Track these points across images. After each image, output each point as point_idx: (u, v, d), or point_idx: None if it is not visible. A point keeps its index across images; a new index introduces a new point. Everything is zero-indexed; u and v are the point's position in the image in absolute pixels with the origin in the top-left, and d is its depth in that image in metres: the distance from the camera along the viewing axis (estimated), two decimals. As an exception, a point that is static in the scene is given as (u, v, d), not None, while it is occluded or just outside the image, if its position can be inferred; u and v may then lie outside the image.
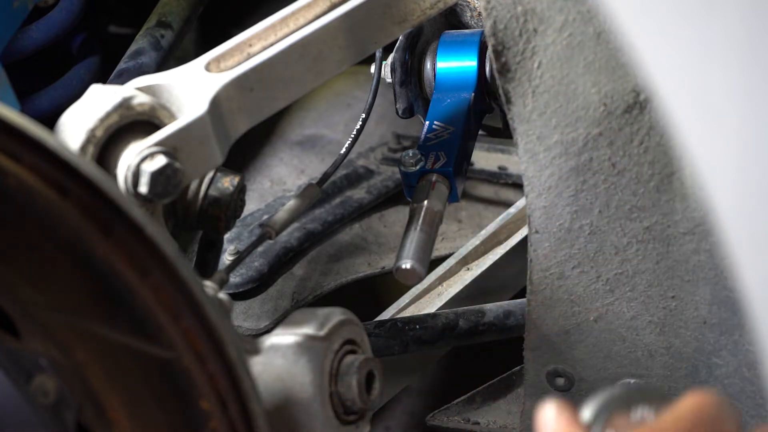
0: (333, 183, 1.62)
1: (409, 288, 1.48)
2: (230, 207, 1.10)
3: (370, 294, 1.76)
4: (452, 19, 1.34)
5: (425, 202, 1.18)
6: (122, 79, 1.34)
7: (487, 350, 1.54)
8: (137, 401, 0.90)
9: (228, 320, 0.96)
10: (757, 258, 0.55)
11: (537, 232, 1.14)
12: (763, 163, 0.53)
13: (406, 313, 1.45)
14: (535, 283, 1.16)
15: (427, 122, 1.25)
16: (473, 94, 1.26)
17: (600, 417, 0.79)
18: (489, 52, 1.12)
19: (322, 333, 1.00)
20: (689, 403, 0.74)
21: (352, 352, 1.02)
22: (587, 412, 0.79)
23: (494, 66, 1.08)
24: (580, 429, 0.78)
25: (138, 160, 0.97)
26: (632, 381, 0.81)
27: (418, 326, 1.35)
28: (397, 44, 1.29)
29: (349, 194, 1.64)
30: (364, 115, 1.28)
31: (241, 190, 1.11)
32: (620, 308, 1.16)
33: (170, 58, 1.42)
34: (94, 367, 0.89)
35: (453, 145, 1.22)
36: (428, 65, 1.30)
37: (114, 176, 0.98)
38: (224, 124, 1.04)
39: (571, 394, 1.21)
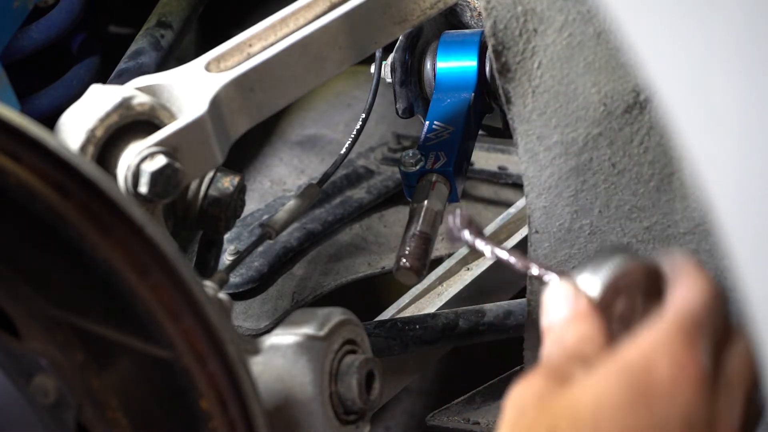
0: (333, 183, 1.62)
1: (409, 288, 1.48)
2: (230, 207, 1.10)
3: (370, 294, 1.76)
4: (452, 19, 1.34)
5: (425, 202, 1.18)
6: (122, 79, 1.34)
7: (487, 350, 1.54)
8: (137, 401, 0.90)
9: (228, 320, 0.96)
10: (757, 258, 0.55)
11: (537, 232, 1.14)
12: (763, 163, 0.53)
13: (406, 313, 1.45)
14: (535, 283, 1.16)
15: (427, 122, 1.25)
16: (473, 94, 1.26)
17: (605, 289, 0.77)
18: (489, 52, 1.12)
19: (322, 333, 1.00)
20: (680, 302, 0.74)
21: (352, 352, 1.02)
22: (591, 284, 0.77)
23: (494, 66, 1.08)
24: (590, 308, 0.77)
25: (138, 160, 0.97)
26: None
27: (418, 326, 1.35)
28: (397, 44, 1.29)
29: (349, 194, 1.64)
30: (364, 115, 1.28)
31: (241, 190, 1.11)
32: (620, 308, 1.16)
33: (170, 58, 1.42)
34: (94, 367, 0.89)
35: (453, 145, 1.22)
36: (428, 65, 1.30)
37: (114, 176, 0.98)
38: (224, 124, 1.04)
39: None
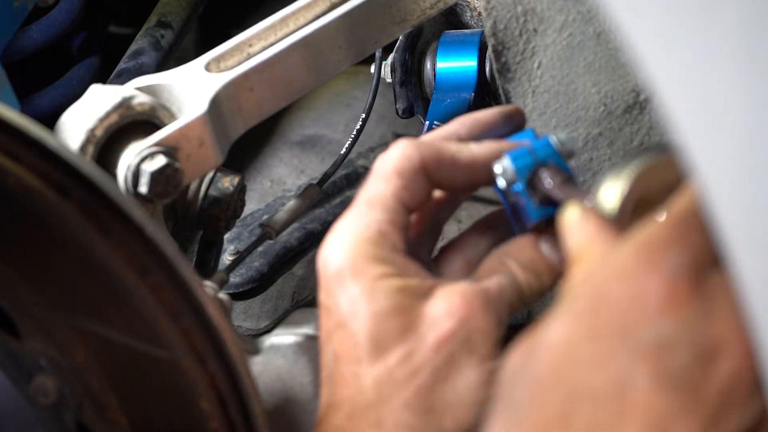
0: (333, 183, 1.62)
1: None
2: (230, 207, 1.10)
3: (370, 294, 1.75)
4: (452, 18, 1.34)
5: (425, 202, 1.18)
6: (122, 79, 1.34)
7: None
8: (137, 401, 0.90)
9: (228, 320, 0.96)
10: (757, 258, 0.55)
11: (537, 232, 1.14)
12: (763, 163, 0.53)
13: (406, 313, 1.45)
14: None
15: (427, 122, 1.25)
16: (473, 94, 1.26)
17: (624, 208, 0.70)
18: (489, 52, 1.12)
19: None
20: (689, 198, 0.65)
21: (352, 352, 1.02)
22: (609, 201, 0.70)
23: (494, 66, 1.08)
24: (610, 230, 0.70)
25: (138, 160, 0.97)
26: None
27: (418, 326, 1.35)
28: (397, 44, 1.29)
29: (349, 194, 1.64)
30: (364, 115, 1.28)
31: (241, 190, 1.11)
32: (620, 308, 1.16)
33: (170, 58, 1.42)
34: (93, 367, 0.89)
35: (453, 145, 1.22)
36: (428, 65, 1.30)
37: (114, 176, 0.98)
38: (224, 124, 1.04)
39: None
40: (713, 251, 0.63)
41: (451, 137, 0.90)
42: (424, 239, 0.90)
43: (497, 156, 0.84)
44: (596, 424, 0.61)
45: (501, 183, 0.82)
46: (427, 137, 0.89)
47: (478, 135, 0.90)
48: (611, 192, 0.71)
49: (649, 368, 0.61)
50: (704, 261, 0.63)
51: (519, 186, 0.82)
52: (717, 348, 0.61)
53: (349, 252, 0.81)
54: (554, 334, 0.66)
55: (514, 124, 0.91)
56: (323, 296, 0.81)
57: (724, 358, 0.61)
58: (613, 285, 0.64)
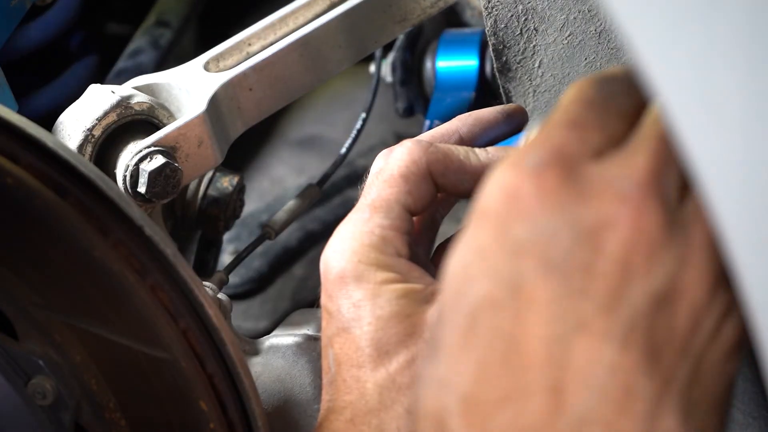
0: (333, 183, 1.61)
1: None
2: (229, 207, 1.10)
3: (370, 294, 1.75)
4: (452, 17, 1.34)
5: (425, 201, 1.18)
6: (120, 78, 1.34)
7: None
8: (135, 402, 0.89)
9: (227, 321, 0.95)
10: (757, 258, 0.55)
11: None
12: (764, 163, 0.53)
13: (406, 314, 1.45)
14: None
15: (428, 122, 1.25)
16: (474, 93, 1.26)
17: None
18: (489, 51, 1.11)
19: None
20: (570, 92, 0.66)
21: (352, 352, 1.02)
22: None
23: (495, 65, 1.07)
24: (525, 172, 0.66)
25: (136, 160, 0.97)
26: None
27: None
28: (397, 43, 1.28)
29: (349, 194, 1.64)
30: (364, 115, 1.28)
31: (240, 190, 1.11)
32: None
33: (169, 57, 1.42)
34: (92, 368, 0.88)
35: (453, 144, 1.22)
36: (428, 64, 1.30)
37: (113, 176, 0.98)
38: (223, 123, 1.03)
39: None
40: (592, 147, 0.63)
41: (451, 135, 0.90)
42: (422, 238, 0.90)
43: None
44: (499, 330, 0.61)
45: None
46: (429, 136, 0.89)
47: (479, 133, 0.90)
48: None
49: (534, 261, 0.61)
50: (573, 154, 0.63)
51: None
52: (601, 226, 0.60)
53: (351, 257, 0.80)
54: (449, 267, 0.65)
55: (515, 123, 0.90)
56: (325, 300, 0.81)
57: (610, 232, 0.60)
58: (489, 201, 0.63)
